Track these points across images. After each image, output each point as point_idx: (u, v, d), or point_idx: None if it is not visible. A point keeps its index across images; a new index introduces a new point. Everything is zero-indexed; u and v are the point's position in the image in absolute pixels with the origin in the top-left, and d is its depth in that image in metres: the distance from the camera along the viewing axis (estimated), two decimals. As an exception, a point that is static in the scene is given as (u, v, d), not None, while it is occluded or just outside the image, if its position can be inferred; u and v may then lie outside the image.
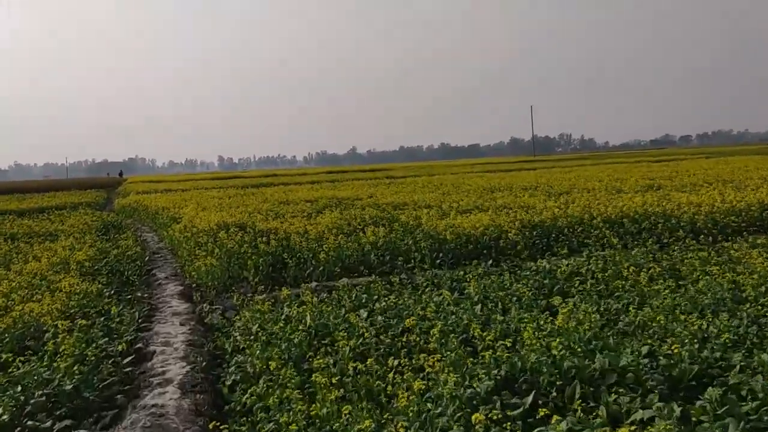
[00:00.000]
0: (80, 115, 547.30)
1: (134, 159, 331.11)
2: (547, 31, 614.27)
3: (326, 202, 19.60)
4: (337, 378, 5.15)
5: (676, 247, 9.79)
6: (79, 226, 18.99)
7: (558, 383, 4.53)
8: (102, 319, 7.45)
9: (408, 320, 6.16)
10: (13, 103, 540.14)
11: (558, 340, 5.07)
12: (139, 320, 7.75)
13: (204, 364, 6.47)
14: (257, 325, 7.23)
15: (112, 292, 9.47)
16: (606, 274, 8.07)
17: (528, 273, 8.50)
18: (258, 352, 6.11)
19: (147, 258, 13.35)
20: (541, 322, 5.89)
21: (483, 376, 4.70)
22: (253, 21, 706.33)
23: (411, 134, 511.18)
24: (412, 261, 10.00)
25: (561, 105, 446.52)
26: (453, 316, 6.50)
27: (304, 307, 7.56)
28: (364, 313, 7.01)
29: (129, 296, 8.83)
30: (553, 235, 11.04)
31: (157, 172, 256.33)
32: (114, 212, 30.01)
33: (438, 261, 10.03)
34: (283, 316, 7.33)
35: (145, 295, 9.39)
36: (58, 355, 6.03)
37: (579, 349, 5.00)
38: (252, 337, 6.89)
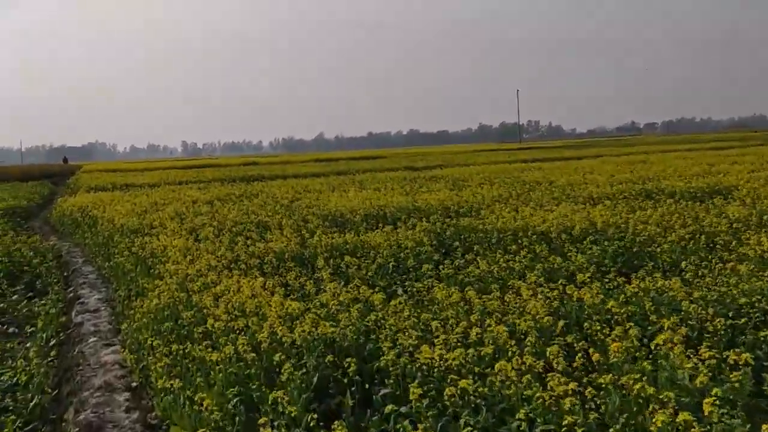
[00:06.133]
0: (37, 97, 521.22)
1: (94, 144, 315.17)
2: (509, 12, 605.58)
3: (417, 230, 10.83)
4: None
5: None
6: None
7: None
8: None
9: None
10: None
11: None
12: None
13: None
14: None
15: None
16: None
17: None
18: None
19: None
20: None
21: None
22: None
23: (376, 120, 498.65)
24: None
25: (525, 91, 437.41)
26: None
27: None
28: None
29: None
30: None
31: (119, 158, 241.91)
32: (49, 224, 20.76)
33: None
34: None
35: None
36: None
37: None
38: None
